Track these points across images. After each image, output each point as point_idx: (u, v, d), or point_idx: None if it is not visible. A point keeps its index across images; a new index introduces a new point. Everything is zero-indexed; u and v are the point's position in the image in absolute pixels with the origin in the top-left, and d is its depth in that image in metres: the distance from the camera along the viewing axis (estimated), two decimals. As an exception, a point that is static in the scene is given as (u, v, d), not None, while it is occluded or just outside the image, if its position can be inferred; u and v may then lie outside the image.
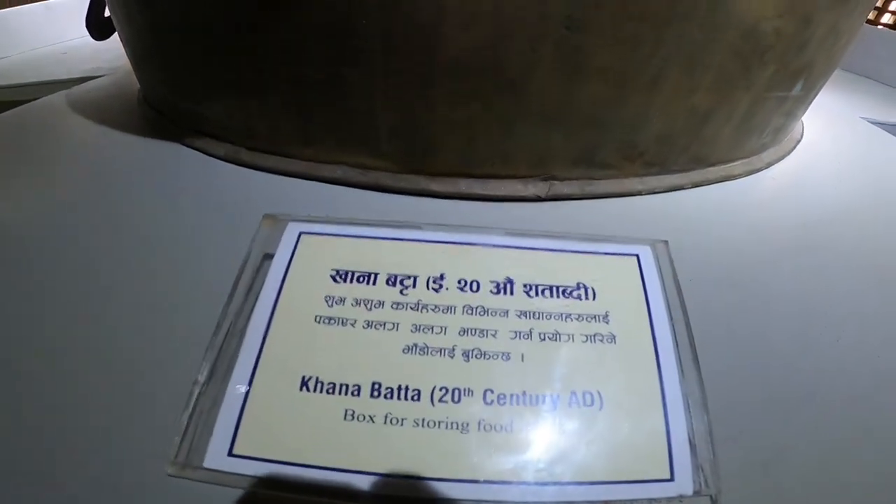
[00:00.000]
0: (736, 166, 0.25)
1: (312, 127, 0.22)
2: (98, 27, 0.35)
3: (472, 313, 0.16)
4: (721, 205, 0.24)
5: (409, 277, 0.16)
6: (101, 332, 0.17)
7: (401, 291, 0.16)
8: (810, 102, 0.27)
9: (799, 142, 0.31)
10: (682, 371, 0.15)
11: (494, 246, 0.18)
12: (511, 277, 0.17)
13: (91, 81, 0.43)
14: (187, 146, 0.27)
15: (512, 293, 0.16)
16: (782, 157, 0.28)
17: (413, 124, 0.21)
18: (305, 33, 0.19)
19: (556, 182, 0.23)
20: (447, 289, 0.16)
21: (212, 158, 0.26)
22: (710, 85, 0.21)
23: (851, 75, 0.52)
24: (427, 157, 0.22)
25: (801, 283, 0.20)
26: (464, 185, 0.22)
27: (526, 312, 0.16)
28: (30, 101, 0.39)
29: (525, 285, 0.16)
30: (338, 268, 0.17)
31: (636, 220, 0.22)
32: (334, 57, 0.19)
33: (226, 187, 0.24)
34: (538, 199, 0.23)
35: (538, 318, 0.16)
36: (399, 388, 0.14)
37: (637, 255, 0.18)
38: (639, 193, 0.23)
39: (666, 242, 0.18)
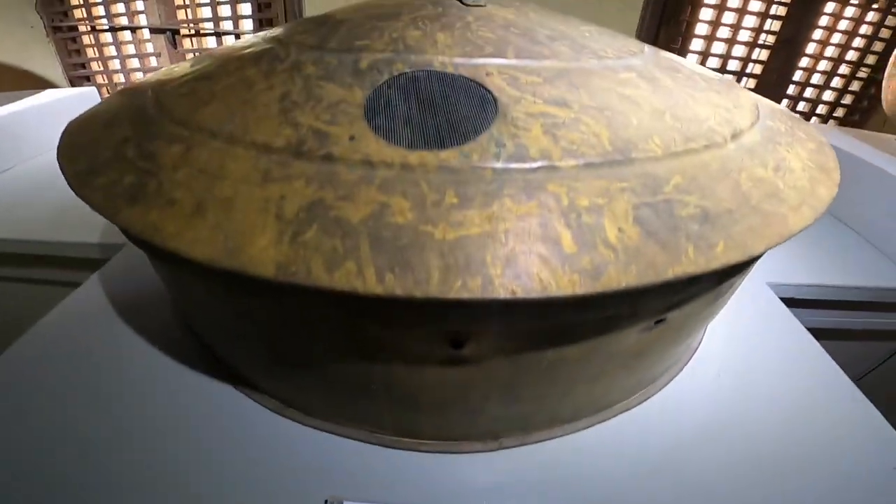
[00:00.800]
0: (631, 400, 0.36)
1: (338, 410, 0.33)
2: None
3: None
4: (619, 437, 0.34)
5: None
6: None
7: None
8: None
9: (696, 349, 0.41)
10: None
11: None
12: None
13: (115, 261, 0.50)
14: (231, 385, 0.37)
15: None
16: (676, 375, 0.39)
17: (409, 422, 0.31)
18: (336, 381, 0.29)
19: (503, 439, 0.33)
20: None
21: (261, 406, 0.35)
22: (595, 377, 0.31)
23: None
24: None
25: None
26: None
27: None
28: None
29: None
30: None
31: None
32: (354, 390, 0.30)
33: (282, 446, 0.32)
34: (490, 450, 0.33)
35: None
36: None
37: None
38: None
39: None
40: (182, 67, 0.38)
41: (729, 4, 1.17)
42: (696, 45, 1.21)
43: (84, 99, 0.96)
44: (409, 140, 0.23)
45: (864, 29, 1.18)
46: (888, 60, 1.17)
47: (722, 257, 0.22)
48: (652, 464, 0.32)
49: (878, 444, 0.33)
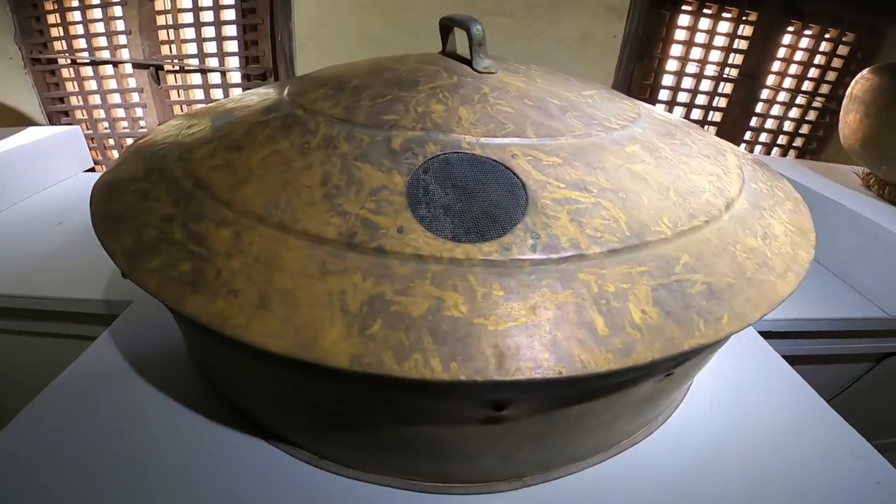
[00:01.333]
0: (637, 436, 0.39)
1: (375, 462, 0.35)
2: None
3: None
4: (629, 470, 0.37)
5: None
6: None
7: None
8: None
9: (691, 386, 0.45)
10: None
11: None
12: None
13: (125, 317, 0.49)
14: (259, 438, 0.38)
15: None
16: (675, 410, 0.43)
17: (443, 470, 0.34)
18: (379, 440, 0.32)
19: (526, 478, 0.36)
20: None
21: (295, 459, 0.36)
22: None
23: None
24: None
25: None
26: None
27: None
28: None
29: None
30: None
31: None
32: (396, 446, 0.32)
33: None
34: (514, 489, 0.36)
35: None
36: None
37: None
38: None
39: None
40: (200, 126, 0.39)
41: (696, 40, 1.24)
42: (667, 80, 1.27)
43: (68, 139, 0.93)
44: (452, 231, 0.26)
45: (817, 59, 1.27)
46: (840, 89, 1.28)
47: (727, 328, 0.25)
48: (660, 490, 0.36)
49: (858, 461, 0.38)
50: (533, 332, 0.23)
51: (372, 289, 0.24)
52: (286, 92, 0.40)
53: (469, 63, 0.40)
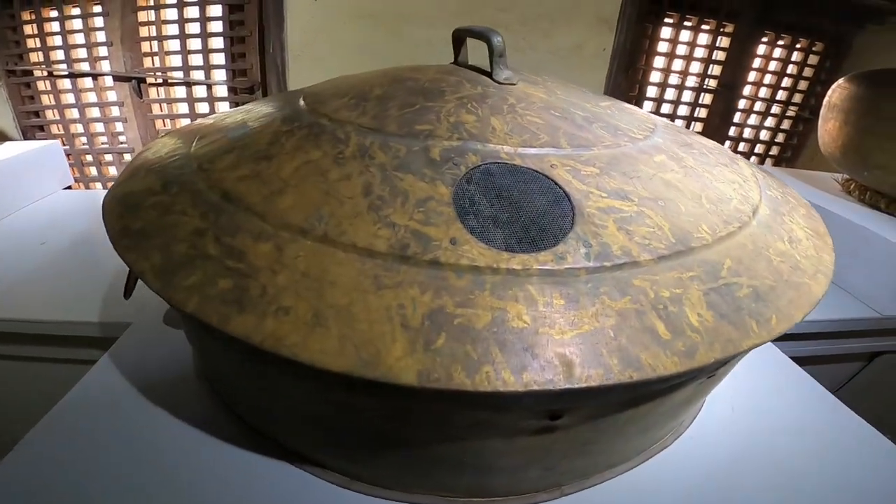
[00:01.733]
0: (667, 439, 0.40)
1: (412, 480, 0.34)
2: (128, 292, 0.43)
3: None
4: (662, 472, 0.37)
5: None
6: None
7: None
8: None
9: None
10: None
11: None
12: None
13: (126, 337, 0.47)
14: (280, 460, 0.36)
15: None
16: (698, 413, 0.43)
17: (483, 484, 0.33)
18: (424, 457, 0.31)
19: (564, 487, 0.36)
20: None
21: (324, 482, 0.34)
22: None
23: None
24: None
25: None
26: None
27: None
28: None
29: None
30: None
31: None
32: (440, 463, 0.31)
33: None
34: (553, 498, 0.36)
35: None
36: None
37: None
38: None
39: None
40: (212, 137, 0.38)
41: (677, 52, 1.29)
42: (651, 91, 1.32)
43: (47, 155, 0.89)
44: (504, 242, 0.26)
45: (790, 69, 1.35)
46: (811, 98, 1.35)
47: (777, 329, 0.26)
48: (693, 493, 0.36)
49: (879, 455, 0.39)
50: (598, 339, 0.23)
51: (432, 302, 0.23)
52: (302, 102, 0.39)
53: (487, 74, 0.40)
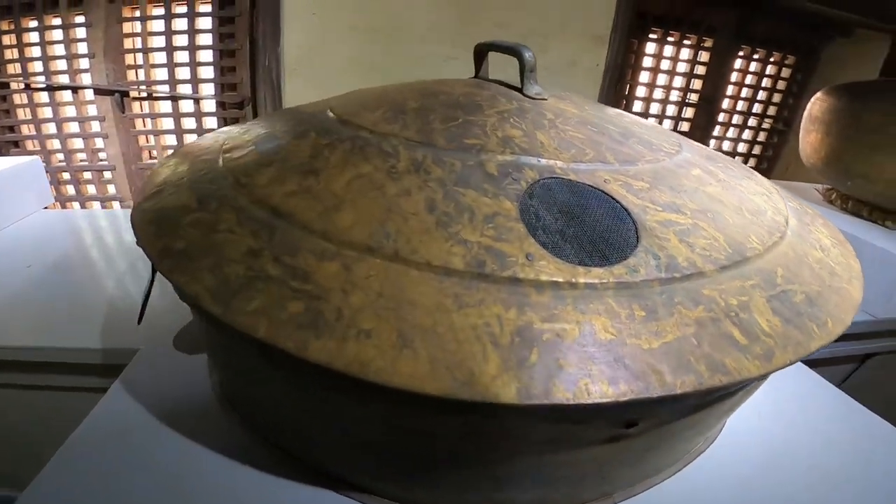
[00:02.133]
0: (701, 446, 0.41)
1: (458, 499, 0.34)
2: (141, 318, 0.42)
3: None
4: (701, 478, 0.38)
5: None
6: None
7: None
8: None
9: None
10: None
11: None
12: None
13: (136, 363, 0.45)
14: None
15: None
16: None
17: (540, 499, 0.33)
18: (484, 477, 0.30)
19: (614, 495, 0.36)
20: None
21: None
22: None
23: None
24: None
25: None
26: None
27: None
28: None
29: None
30: None
31: None
32: (502, 478, 0.31)
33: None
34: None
35: None
36: None
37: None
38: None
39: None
40: (242, 150, 0.37)
41: (661, 67, 1.35)
42: (637, 106, 1.37)
43: (26, 172, 0.85)
44: (577, 256, 0.26)
45: (765, 82, 1.43)
46: (785, 110, 1.43)
47: (834, 331, 0.27)
48: (734, 497, 0.37)
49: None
50: (684, 347, 0.23)
51: (518, 319, 0.23)
52: (331, 114, 0.39)
53: (516, 89, 0.41)
